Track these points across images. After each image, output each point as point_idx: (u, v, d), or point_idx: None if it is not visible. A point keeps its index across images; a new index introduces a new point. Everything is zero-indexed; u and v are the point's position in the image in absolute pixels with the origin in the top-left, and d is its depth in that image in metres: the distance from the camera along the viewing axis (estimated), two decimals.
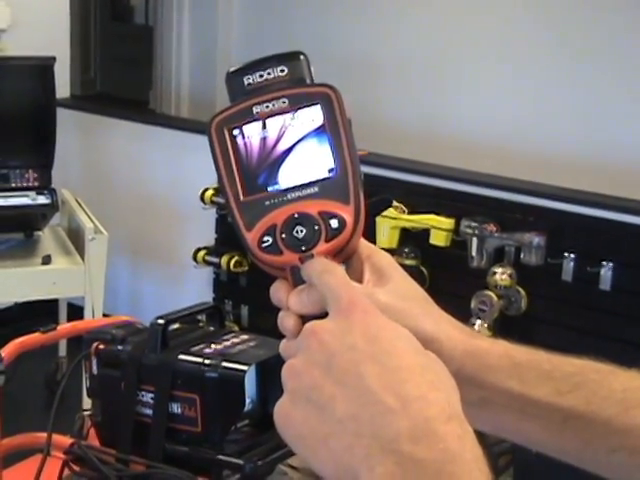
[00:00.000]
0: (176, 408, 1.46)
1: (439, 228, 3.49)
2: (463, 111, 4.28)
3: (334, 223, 0.66)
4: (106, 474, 1.44)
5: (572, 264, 3.30)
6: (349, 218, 0.67)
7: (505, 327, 3.45)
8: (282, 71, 0.70)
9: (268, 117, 0.68)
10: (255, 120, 0.68)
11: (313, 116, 0.68)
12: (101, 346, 1.53)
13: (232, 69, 0.71)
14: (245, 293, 4.10)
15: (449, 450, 0.55)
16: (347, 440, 0.56)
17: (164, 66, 5.20)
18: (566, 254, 3.30)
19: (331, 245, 0.66)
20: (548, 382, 0.79)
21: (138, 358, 1.49)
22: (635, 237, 3.23)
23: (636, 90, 3.79)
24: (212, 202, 3.91)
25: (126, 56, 6.35)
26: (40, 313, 4.06)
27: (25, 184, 3.64)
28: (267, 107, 0.69)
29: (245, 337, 1.52)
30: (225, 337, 1.52)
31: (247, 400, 1.41)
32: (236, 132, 0.69)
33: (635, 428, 0.77)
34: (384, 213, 3.53)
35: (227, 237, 4.13)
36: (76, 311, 3.79)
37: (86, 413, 1.65)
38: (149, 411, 1.48)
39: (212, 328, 1.60)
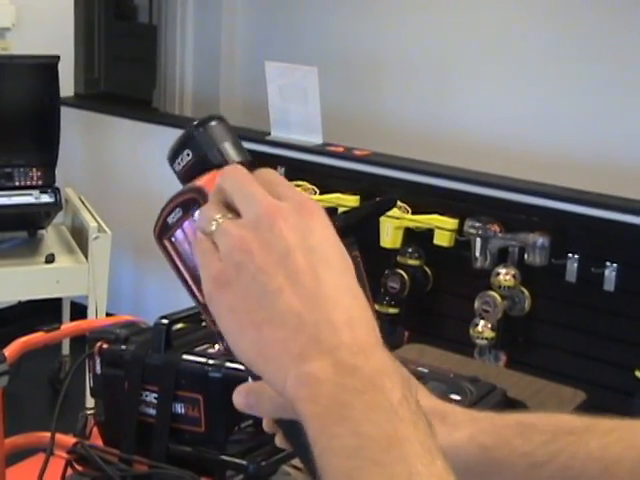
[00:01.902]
0: (179, 408, 1.45)
1: (443, 228, 3.48)
2: (467, 111, 4.28)
3: None
4: (109, 474, 1.43)
5: (576, 265, 3.29)
6: None
7: (509, 328, 3.45)
8: (188, 155, 0.69)
9: (182, 223, 0.69)
10: (177, 228, 0.69)
11: None
12: (105, 346, 1.53)
13: (167, 156, 0.71)
14: None
15: (384, 367, 0.55)
16: (284, 333, 0.55)
17: (168, 65, 5.21)
18: (570, 255, 3.30)
19: None
20: (522, 459, 0.79)
21: (142, 358, 1.48)
22: (639, 238, 3.23)
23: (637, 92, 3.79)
24: None
25: (130, 55, 6.36)
26: (43, 312, 4.06)
27: (29, 183, 3.65)
28: (174, 217, 0.69)
29: None
30: None
31: None
32: (173, 239, 0.70)
33: None
34: (388, 213, 3.53)
35: None
36: (79, 310, 3.79)
37: (89, 412, 1.64)
38: (152, 411, 1.48)
39: None
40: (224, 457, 1.43)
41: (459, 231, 3.47)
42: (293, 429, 0.62)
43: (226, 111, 5.07)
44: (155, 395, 1.47)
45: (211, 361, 1.43)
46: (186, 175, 0.69)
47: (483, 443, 0.81)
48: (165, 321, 1.48)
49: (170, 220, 0.69)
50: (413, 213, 3.56)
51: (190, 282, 0.69)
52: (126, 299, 4.56)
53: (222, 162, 0.68)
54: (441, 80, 4.42)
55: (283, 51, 4.76)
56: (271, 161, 3.86)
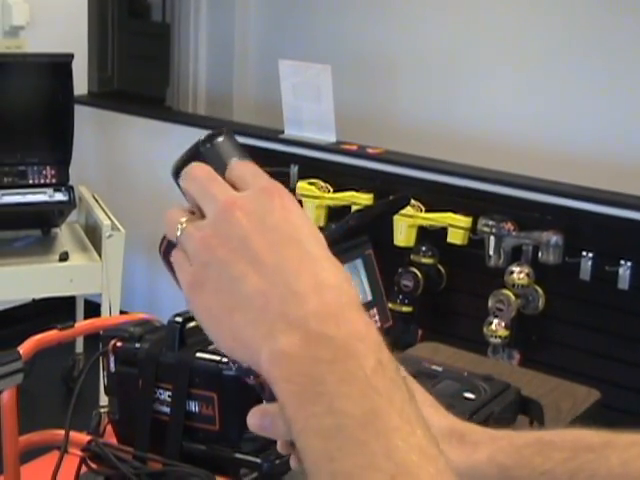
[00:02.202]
0: (193, 406, 1.45)
1: (456, 226, 3.48)
2: (480, 109, 4.27)
3: None
4: (123, 472, 1.44)
5: (590, 263, 3.28)
6: None
7: (522, 326, 3.44)
8: None
9: None
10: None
11: None
12: (119, 344, 1.53)
13: (171, 170, 0.71)
14: None
15: (357, 331, 0.54)
16: (252, 314, 0.55)
17: (181, 63, 5.21)
18: (584, 253, 3.29)
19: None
20: (542, 477, 0.78)
21: (156, 356, 1.48)
22: None
23: None
24: None
25: (143, 53, 6.36)
26: (57, 310, 4.08)
27: (43, 181, 3.66)
28: None
29: None
30: None
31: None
32: None
33: None
34: (401, 211, 3.52)
35: None
36: (93, 308, 3.80)
37: (103, 410, 1.64)
38: (166, 409, 1.48)
39: None
40: (238, 455, 1.43)
41: (473, 229, 3.46)
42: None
43: (239, 109, 5.08)
44: (169, 393, 1.47)
45: (225, 359, 1.43)
46: None
47: (503, 463, 0.80)
48: (179, 319, 1.48)
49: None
50: (427, 211, 3.55)
51: None
52: (140, 297, 4.57)
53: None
54: (454, 78, 4.41)
55: (296, 50, 4.76)
56: (284, 159, 3.86)
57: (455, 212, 3.51)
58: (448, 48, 4.41)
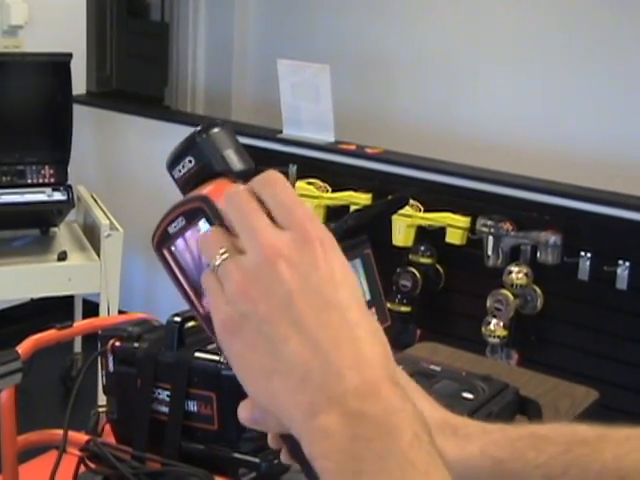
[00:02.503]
0: (192, 406, 1.45)
1: (455, 226, 3.48)
2: (479, 109, 4.27)
3: None
4: (122, 471, 1.43)
5: (588, 263, 3.28)
6: None
7: (521, 326, 3.44)
8: (190, 162, 0.68)
9: (184, 233, 0.67)
10: (177, 238, 0.67)
11: (207, 227, 0.66)
12: (117, 343, 1.53)
13: (166, 163, 0.70)
14: None
15: (393, 406, 0.54)
16: (292, 383, 0.55)
17: (180, 63, 5.21)
18: (582, 253, 3.29)
19: None
20: (536, 471, 0.78)
21: (154, 356, 1.48)
22: None
23: None
24: None
25: (142, 53, 6.36)
26: (55, 309, 4.07)
27: (41, 180, 3.65)
28: (176, 227, 0.67)
29: None
30: None
31: None
32: (173, 249, 0.68)
33: None
34: (400, 211, 3.52)
35: None
36: (91, 308, 3.80)
37: (101, 410, 1.64)
38: (165, 409, 1.48)
39: None
40: (237, 455, 1.43)
41: (471, 229, 3.47)
42: (297, 444, 0.62)
43: (238, 109, 5.08)
44: (168, 393, 1.47)
45: (223, 359, 1.42)
46: (186, 183, 0.68)
47: (496, 456, 0.80)
48: (178, 319, 1.48)
49: (171, 229, 0.67)
50: (425, 211, 3.55)
51: (190, 293, 0.68)
52: (138, 297, 4.57)
53: (225, 170, 0.67)
54: (453, 78, 4.41)
55: (295, 49, 4.76)
56: (283, 159, 3.86)
57: (454, 212, 3.51)
58: (447, 48, 4.41)
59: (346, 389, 0.54)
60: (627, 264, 3.21)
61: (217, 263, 0.59)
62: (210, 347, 1.47)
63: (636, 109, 3.85)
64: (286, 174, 3.83)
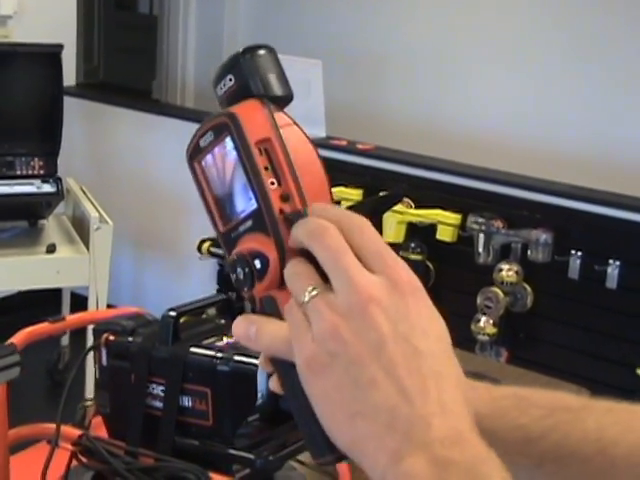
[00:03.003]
0: (187, 401, 1.44)
1: (446, 223, 3.48)
2: (470, 106, 4.27)
3: (257, 263, 0.64)
4: (115, 466, 1.42)
5: (579, 262, 3.28)
6: (271, 253, 0.64)
7: (510, 324, 3.44)
8: (230, 80, 0.68)
9: (213, 148, 0.67)
10: (207, 152, 0.68)
11: (231, 145, 0.66)
12: (111, 337, 1.52)
13: (213, 79, 0.70)
14: None
15: (480, 454, 0.55)
16: (377, 428, 0.56)
17: (170, 56, 5.18)
18: (573, 252, 3.29)
19: (264, 284, 0.64)
20: (517, 431, 0.78)
21: (149, 350, 1.47)
22: None
23: None
24: None
25: (130, 45, 6.32)
26: (43, 302, 4.05)
27: (30, 172, 3.63)
28: (206, 141, 0.68)
29: None
30: None
31: (258, 394, 1.39)
32: (203, 164, 0.68)
33: (613, 466, 0.77)
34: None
35: None
36: (80, 301, 3.78)
37: (88, 403, 1.63)
38: (159, 404, 1.47)
39: (223, 321, 1.58)
40: (231, 451, 1.42)
41: (462, 226, 3.46)
42: (288, 372, 0.62)
43: None
44: (162, 388, 1.46)
45: (219, 354, 1.42)
46: (227, 100, 0.68)
47: (478, 411, 0.80)
48: (173, 313, 1.47)
49: (202, 143, 0.68)
50: (416, 208, 3.55)
51: (212, 208, 0.68)
52: (126, 290, 4.55)
53: (262, 93, 0.67)
54: (445, 75, 4.41)
55: (286, 44, 4.73)
56: None
57: (444, 209, 3.50)
58: (439, 44, 4.40)
59: (434, 437, 0.55)
60: (617, 263, 3.22)
61: (306, 299, 0.59)
62: (206, 342, 1.47)
63: (629, 109, 3.86)
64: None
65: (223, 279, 4.19)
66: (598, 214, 3.27)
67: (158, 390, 1.47)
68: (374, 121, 4.43)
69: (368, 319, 0.57)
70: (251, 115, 0.66)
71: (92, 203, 3.70)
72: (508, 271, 3.36)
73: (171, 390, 1.45)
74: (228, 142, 0.66)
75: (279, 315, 0.64)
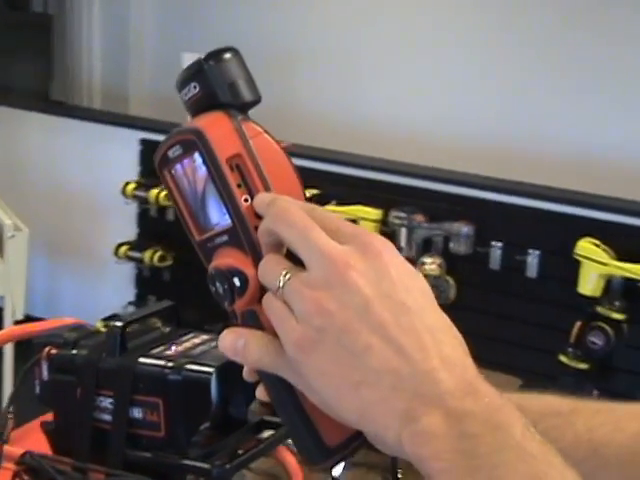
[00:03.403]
0: (137, 413, 1.40)
1: (367, 219, 3.48)
2: (384, 101, 4.28)
3: (236, 281, 0.64)
4: None
5: (499, 252, 3.34)
6: (249, 271, 0.63)
7: None
8: (195, 87, 0.66)
9: (182, 160, 0.66)
10: (177, 163, 0.66)
11: (200, 161, 0.65)
12: (53, 351, 1.47)
13: (176, 82, 0.68)
14: (169, 288, 4.03)
15: (494, 403, 0.55)
16: (383, 392, 0.55)
17: (74, 56, 5.06)
18: (493, 243, 3.34)
19: (244, 300, 0.64)
20: None
21: (95, 362, 1.42)
22: (560, 225, 3.29)
23: (558, 80, 3.84)
24: (134, 196, 3.82)
25: (23, 46, 6.14)
26: None
27: None
28: (174, 153, 0.66)
29: (205, 337, 1.47)
30: (185, 338, 1.47)
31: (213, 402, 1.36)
32: (174, 172, 0.67)
33: (607, 465, 0.78)
34: None
35: (149, 231, 4.05)
36: None
37: (10, 415, 1.57)
38: (108, 417, 1.42)
39: (168, 329, 1.54)
40: (186, 461, 1.38)
41: (384, 222, 3.47)
42: (275, 383, 0.62)
43: (136, 103, 4.97)
44: (110, 400, 1.42)
45: (170, 364, 1.38)
46: (193, 107, 0.66)
47: None
48: (119, 324, 1.43)
49: (170, 154, 0.66)
50: (337, 204, 3.54)
51: (186, 216, 0.67)
52: (40, 298, 4.43)
53: (231, 101, 0.65)
54: (351, 70, 4.40)
55: (194, 42, 4.68)
56: None
57: (365, 205, 3.51)
58: (349, 39, 4.40)
59: (443, 390, 0.54)
60: (537, 253, 3.28)
61: (281, 284, 0.58)
62: (154, 352, 1.43)
63: (543, 101, 3.91)
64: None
65: (142, 283, 4.12)
66: (517, 205, 3.33)
67: (106, 403, 1.42)
68: (288, 118, 4.41)
69: (349, 285, 0.55)
70: (218, 131, 0.65)
71: (5, 210, 3.58)
72: (431, 264, 3.39)
73: (120, 402, 1.41)
74: (197, 157, 0.64)
75: (261, 328, 0.64)
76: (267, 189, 0.64)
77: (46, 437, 1.52)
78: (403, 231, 3.42)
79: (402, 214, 3.42)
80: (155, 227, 3.97)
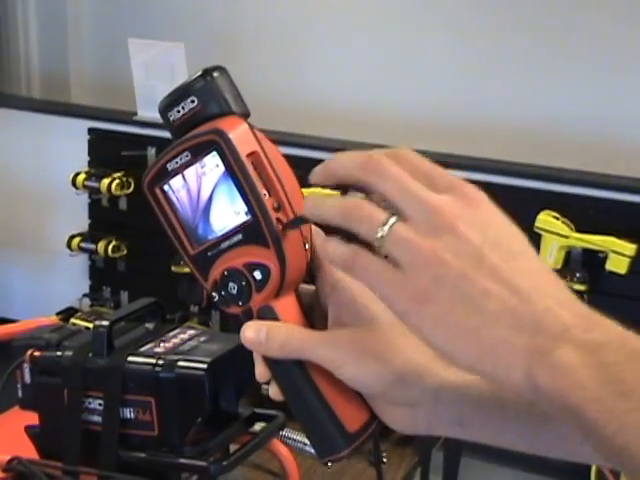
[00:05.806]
0: (128, 413, 1.38)
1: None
2: (326, 79, 4.25)
3: (257, 275, 0.67)
4: None
5: None
6: (272, 263, 0.67)
7: None
8: (192, 102, 0.69)
9: (185, 169, 0.69)
10: (175, 175, 0.69)
11: (216, 162, 0.68)
12: (36, 353, 1.43)
13: (159, 105, 0.71)
14: (124, 278, 3.97)
15: (620, 332, 0.55)
16: (504, 333, 0.55)
17: (10, 44, 4.94)
18: None
19: (263, 295, 0.67)
20: (530, 407, 0.76)
21: (82, 363, 1.39)
22: (519, 199, 3.30)
23: (507, 52, 3.86)
24: (84, 187, 3.75)
25: None
26: None
27: None
28: (177, 163, 0.69)
29: (193, 332, 1.44)
30: (172, 333, 1.44)
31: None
32: (166, 188, 0.70)
33: None
34: None
35: (101, 222, 3.98)
36: None
37: None
38: (97, 418, 1.40)
39: (151, 325, 1.51)
40: (181, 460, 1.36)
41: None
42: (292, 373, 0.65)
43: (77, 91, 4.88)
44: (100, 401, 1.39)
45: (161, 361, 1.35)
46: (183, 124, 0.68)
47: None
48: (106, 322, 1.40)
49: (170, 166, 0.68)
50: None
51: (179, 232, 0.69)
52: None
53: (226, 112, 0.68)
54: (299, 49, 4.37)
55: (136, 27, 4.60)
56: (140, 142, 3.74)
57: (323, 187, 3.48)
58: (290, 18, 4.36)
59: (569, 324, 0.55)
60: None
61: (380, 235, 0.58)
62: (143, 349, 1.40)
63: (488, 74, 3.93)
64: (145, 157, 3.71)
65: (96, 274, 4.05)
66: (474, 180, 3.22)
67: (95, 404, 1.39)
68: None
69: (459, 235, 0.57)
70: (238, 129, 0.67)
71: None
72: None
73: (111, 403, 1.38)
74: (210, 159, 0.67)
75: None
76: (282, 185, 0.67)
77: (31, 441, 1.48)
78: None
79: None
80: (108, 217, 3.90)
